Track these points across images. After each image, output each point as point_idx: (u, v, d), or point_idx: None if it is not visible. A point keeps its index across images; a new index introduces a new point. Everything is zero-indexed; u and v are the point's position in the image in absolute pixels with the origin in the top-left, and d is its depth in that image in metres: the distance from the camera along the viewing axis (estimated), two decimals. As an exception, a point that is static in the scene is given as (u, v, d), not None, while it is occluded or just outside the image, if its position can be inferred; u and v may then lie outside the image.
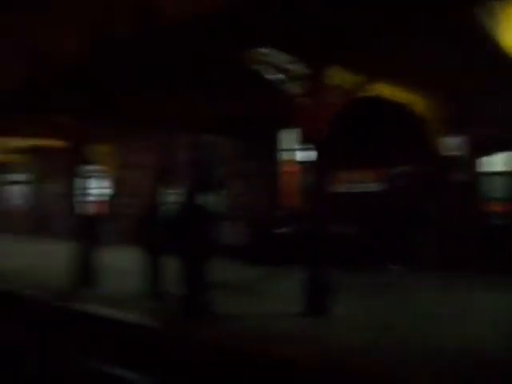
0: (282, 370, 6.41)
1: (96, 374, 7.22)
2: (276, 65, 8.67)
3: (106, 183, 20.21)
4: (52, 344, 8.51)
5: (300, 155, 9.15)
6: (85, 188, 12.35)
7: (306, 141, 8.83)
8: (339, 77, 8.87)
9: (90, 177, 12.62)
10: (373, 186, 13.92)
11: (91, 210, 12.36)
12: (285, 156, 15.50)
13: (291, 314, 8.44)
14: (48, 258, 15.68)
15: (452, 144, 12.54)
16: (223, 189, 16.19)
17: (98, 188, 20.32)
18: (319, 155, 8.66)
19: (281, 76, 8.75)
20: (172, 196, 11.65)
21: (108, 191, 20.03)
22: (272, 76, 8.77)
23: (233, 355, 6.92)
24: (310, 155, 8.74)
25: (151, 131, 16.41)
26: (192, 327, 7.94)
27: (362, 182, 14.11)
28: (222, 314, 8.45)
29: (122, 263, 13.59)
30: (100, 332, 8.62)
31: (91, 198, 12.67)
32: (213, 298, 8.55)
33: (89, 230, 11.64)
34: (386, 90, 10.61)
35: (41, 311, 10.03)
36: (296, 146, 14.23)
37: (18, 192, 26.16)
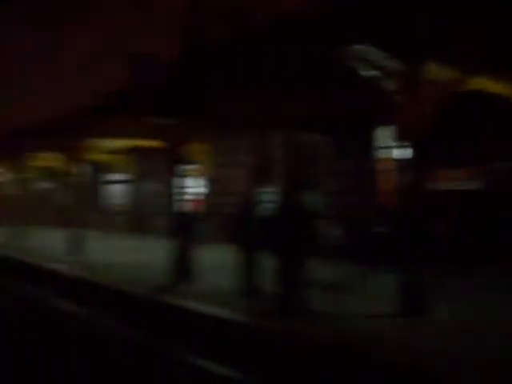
0: (378, 371, 6.31)
1: (192, 368, 7.38)
2: (372, 61, 8.55)
3: (203, 182, 20.61)
4: (149, 337, 8.76)
5: (397, 153, 8.94)
6: (182, 187, 12.65)
7: (403, 138, 8.66)
8: (437, 72, 8.64)
9: (187, 176, 12.90)
10: (471, 184, 13.46)
11: (188, 208, 12.64)
12: (381, 154, 15.24)
13: (387, 314, 8.30)
14: (147, 254, 16.16)
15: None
16: (319, 187, 16.12)
17: (194, 187, 20.76)
18: (416, 152, 8.47)
19: (377, 73, 8.62)
20: (268, 195, 11.73)
21: (204, 190, 20.43)
22: (368, 73, 8.65)
23: (327, 354, 6.88)
24: (407, 153, 8.56)
25: (247, 130, 16.57)
26: (287, 325, 7.94)
27: (460, 180, 13.68)
28: (317, 313, 8.42)
29: (217, 260, 13.81)
30: (196, 327, 8.80)
31: (188, 197, 12.96)
32: (308, 297, 8.54)
33: (186, 228, 11.90)
34: (487, 84, 10.23)
35: (139, 305, 10.34)
36: (393, 144, 13.99)
37: (118, 191, 27.12)
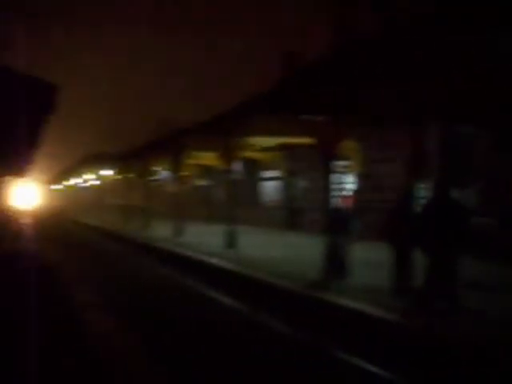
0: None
1: (346, 365, 7.41)
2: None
3: (353, 178, 20.49)
4: (302, 333, 8.87)
5: None
6: (333, 183, 12.66)
7: None
8: None
9: (337, 172, 12.89)
10: None
11: (340, 204, 12.62)
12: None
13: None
14: (299, 250, 16.36)
15: None
16: (477, 183, 15.43)
17: (345, 183, 20.68)
18: None
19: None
20: (422, 190, 11.38)
21: (355, 186, 20.29)
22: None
23: (476, 357, 6.62)
24: None
25: (399, 125, 16.18)
26: (437, 325, 7.73)
27: None
28: (470, 313, 8.14)
29: (369, 257, 13.69)
30: (347, 324, 8.79)
31: (339, 193, 12.95)
32: (462, 296, 8.27)
33: (339, 224, 11.88)
34: None
35: (292, 301, 10.50)
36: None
37: (271, 187, 27.68)
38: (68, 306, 9.41)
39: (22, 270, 12.14)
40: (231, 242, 17.64)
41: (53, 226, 38.63)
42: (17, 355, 6.32)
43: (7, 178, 50.00)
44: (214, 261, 14.84)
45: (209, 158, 25.58)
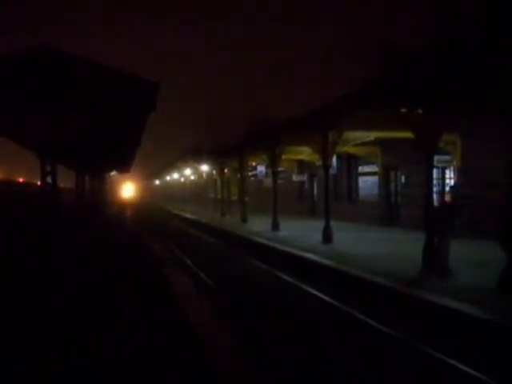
0: None
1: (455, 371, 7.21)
2: None
3: (454, 173, 19.85)
4: (404, 333, 8.70)
5: None
6: (431, 178, 12.32)
7: None
8: None
9: (435, 167, 12.53)
10: None
11: (438, 200, 12.30)
12: None
13: None
14: (396, 247, 16.02)
15: None
16: None
17: (443, 178, 20.10)
18: None
19: None
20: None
21: (455, 181, 19.65)
22: None
23: None
24: None
25: (501, 117, 15.46)
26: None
27: None
28: None
29: (471, 254, 13.25)
30: (450, 327, 8.54)
31: (437, 189, 12.60)
32: None
33: (438, 221, 11.57)
34: None
35: (390, 298, 10.32)
36: None
37: (367, 183, 27.27)
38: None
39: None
40: (327, 237, 17.56)
41: (153, 221, 39.83)
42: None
43: (112, 174, 51.89)
44: (308, 256, 14.82)
45: (306, 153, 25.51)
